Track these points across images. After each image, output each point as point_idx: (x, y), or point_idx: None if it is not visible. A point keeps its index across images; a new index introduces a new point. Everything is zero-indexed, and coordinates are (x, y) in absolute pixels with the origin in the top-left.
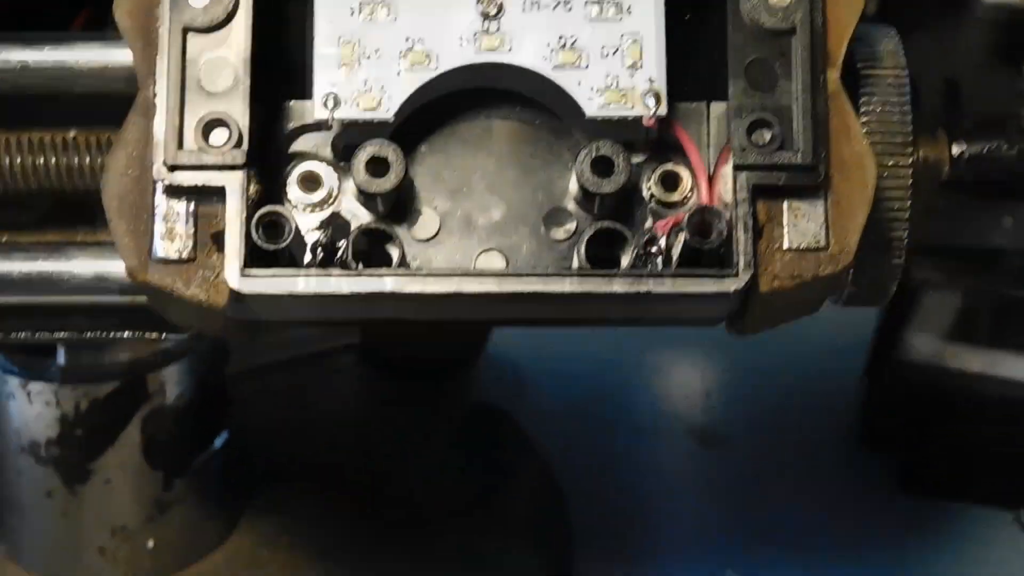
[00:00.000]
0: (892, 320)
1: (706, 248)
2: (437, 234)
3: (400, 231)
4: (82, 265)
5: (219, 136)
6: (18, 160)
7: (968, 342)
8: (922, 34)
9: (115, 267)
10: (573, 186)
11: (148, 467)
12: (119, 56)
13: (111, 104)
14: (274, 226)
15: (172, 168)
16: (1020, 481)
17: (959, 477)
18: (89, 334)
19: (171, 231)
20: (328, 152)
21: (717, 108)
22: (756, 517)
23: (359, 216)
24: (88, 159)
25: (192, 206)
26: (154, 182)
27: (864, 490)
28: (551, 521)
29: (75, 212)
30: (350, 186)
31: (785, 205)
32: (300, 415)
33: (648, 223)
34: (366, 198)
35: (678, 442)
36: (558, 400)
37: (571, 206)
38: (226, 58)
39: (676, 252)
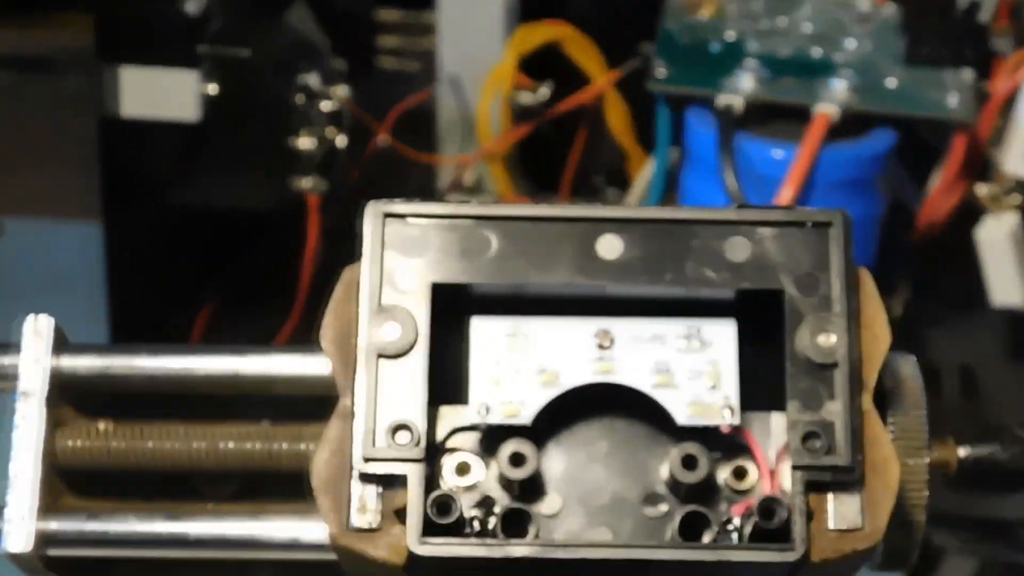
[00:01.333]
0: None
1: (771, 528)
2: (560, 511)
3: (531, 508)
4: (280, 528)
5: (403, 437)
6: (229, 445)
7: None
8: (942, 328)
9: (307, 530)
10: (665, 475)
11: None
12: (313, 367)
13: (301, 403)
14: (445, 506)
15: (367, 460)
16: None
17: None
18: None
19: (363, 507)
20: (477, 446)
21: (777, 417)
22: None
23: (500, 498)
24: (286, 445)
25: (380, 488)
26: (351, 469)
27: None
28: None
29: (265, 488)
30: (492, 472)
31: (830, 496)
32: None
33: (723, 506)
34: (506, 483)
35: None
36: None
37: (664, 491)
38: (408, 377)
39: (747, 530)
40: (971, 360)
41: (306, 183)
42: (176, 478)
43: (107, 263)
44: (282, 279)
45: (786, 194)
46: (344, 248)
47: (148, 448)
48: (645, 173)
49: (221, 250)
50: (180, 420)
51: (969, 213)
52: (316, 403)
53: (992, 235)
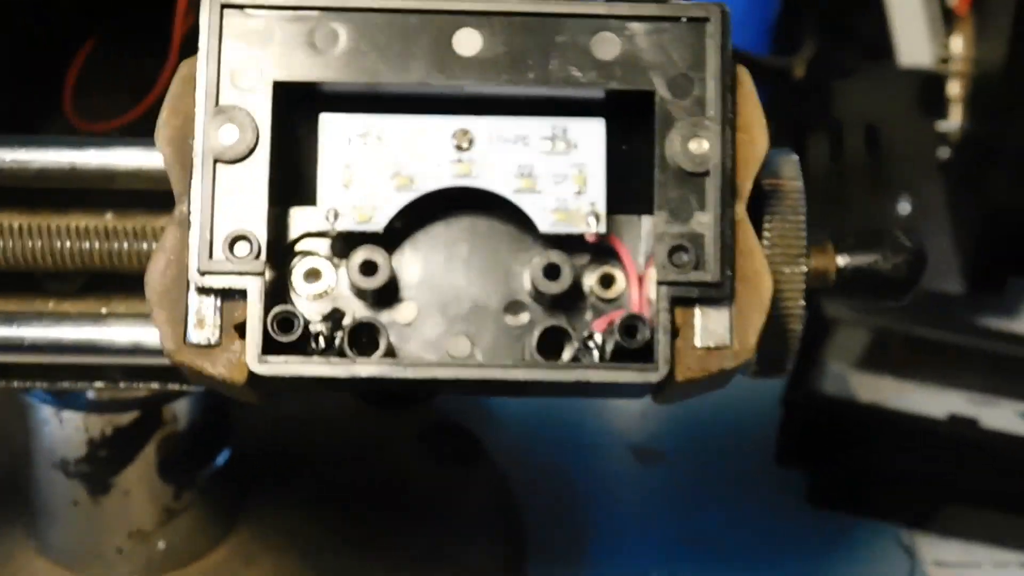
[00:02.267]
0: (807, 352)
1: (632, 348)
2: (415, 319)
3: (385, 317)
4: (122, 333)
5: (242, 248)
6: (67, 244)
7: (875, 372)
8: (849, 82)
9: (150, 336)
10: (528, 283)
11: (161, 481)
12: (153, 160)
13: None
14: (286, 322)
15: (203, 273)
16: (909, 501)
17: (856, 494)
18: (123, 384)
19: (201, 321)
20: (327, 250)
21: (647, 221)
22: (684, 525)
23: (352, 305)
24: (127, 245)
25: (219, 302)
26: (188, 283)
27: (776, 503)
28: (505, 520)
29: (111, 282)
30: (345, 277)
31: (697, 311)
32: (289, 426)
33: (588, 315)
34: (358, 291)
35: (618, 457)
36: (512, 419)
37: (526, 299)
38: (248, 183)
39: (609, 348)
40: (876, 117)
41: None
42: (17, 274)
43: None
44: (153, 31)
45: None
46: None
47: None
48: None
49: None
50: (19, 213)
51: None
52: (165, 196)
53: None
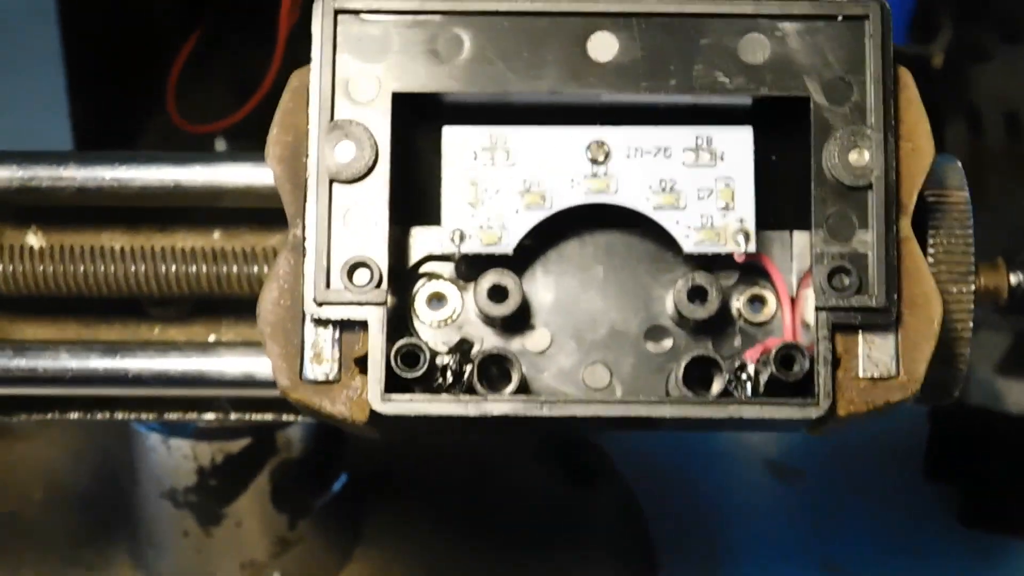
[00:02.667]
0: None
1: (790, 381)
2: (549, 347)
3: (516, 344)
4: (232, 363)
5: (362, 276)
6: (173, 268)
7: (1021, 378)
8: (987, 66)
9: (262, 366)
10: (671, 307)
11: (275, 511)
12: (264, 177)
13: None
14: (411, 356)
15: (320, 304)
16: None
17: (1013, 512)
18: (234, 416)
19: (319, 355)
20: (453, 273)
21: (799, 237)
22: (824, 547)
23: (480, 331)
24: (235, 267)
25: (337, 333)
26: (303, 314)
27: (925, 520)
28: (634, 539)
29: (220, 307)
30: (472, 303)
31: (861, 339)
32: (406, 447)
33: (737, 341)
34: (487, 318)
35: (753, 472)
36: None
37: (669, 324)
38: (367, 205)
39: (763, 379)
40: (1018, 103)
41: None
42: (119, 300)
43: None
44: (259, 23)
45: None
46: None
47: (81, 273)
48: None
49: None
50: (121, 233)
51: None
52: (278, 213)
53: None
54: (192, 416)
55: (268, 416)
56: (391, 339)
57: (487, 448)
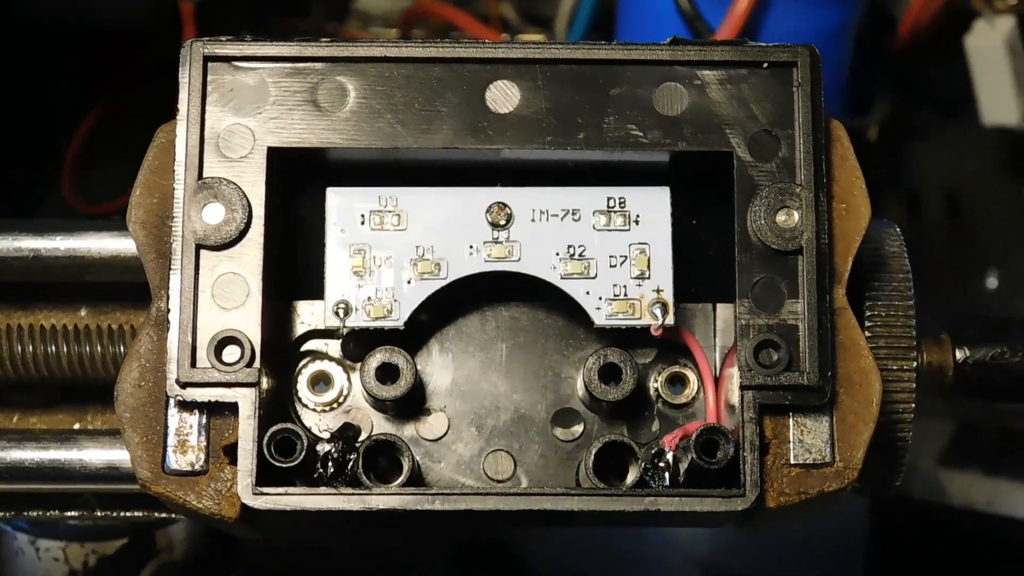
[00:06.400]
0: None
1: (713, 468)
2: (446, 434)
3: (409, 431)
4: (94, 455)
5: (232, 353)
6: (29, 348)
7: (962, 469)
8: (926, 144)
9: (126, 456)
10: (581, 388)
11: None
12: (131, 246)
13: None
14: (287, 443)
15: (184, 385)
16: None
17: None
18: (100, 513)
19: (183, 443)
20: (338, 352)
21: (723, 309)
22: None
23: (369, 416)
24: (100, 348)
25: (204, 419)
26: (166, 396)
27: None
28: None
29: (85, 393)
30: (359, 384)
31: (791, 421)
32: (304, 550)
33: (655, 425)
34: (376, 401)
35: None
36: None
37: (579, 407)
38: (239, 273)
39: (683, 467)
40: (957, 182)
41: None
42: None
43: None
44: (159, 101)
45: (742, 4)
46: None
47: None
48: None
49: (88, 69)
50: None
51: (957, 17)
52: (147, 288)
53: (984, 42)
54: (55, 514)
55: (139, 513)
56: (265, 425)
57: (396, 549)
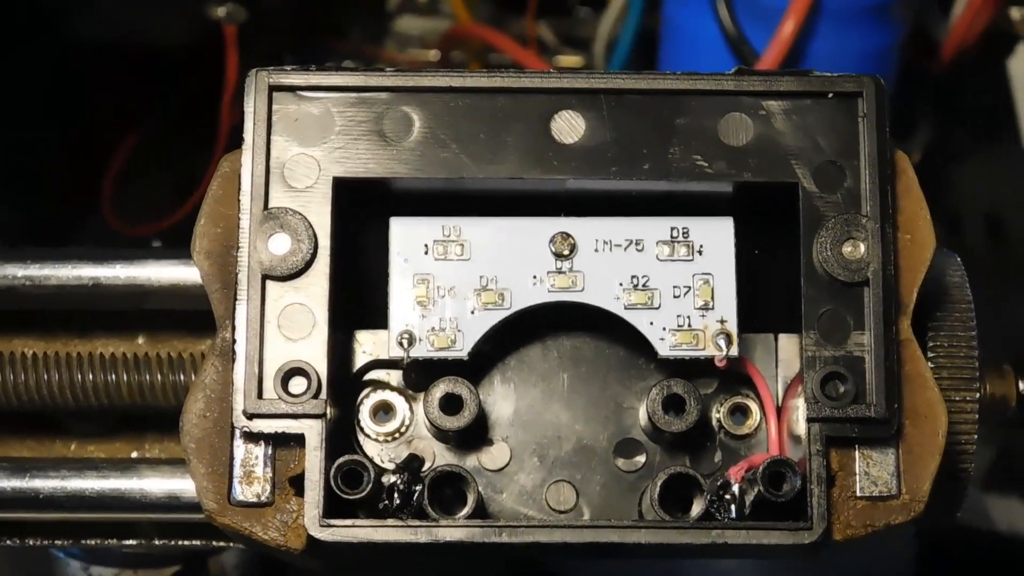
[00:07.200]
0: None
1: (780, 501)
2: (508, 464)
3: (471, 461)
4: (155, 484)
5: (299, 384)
6: (89, 377)
7: (1003, 494)
8: (966, 166)
9: (190, 486)
10: (644, 418)
11: None
12: (192, 275)
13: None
14: (354, 475)
15: (251, 416)
16: None
17: None
18: (158, 542)
19: (249, 475)
20: (402, 382)
21: (786, 340)
22: None
23: (432, 446)
24: (159, 376)
25: (270, 450)
26: (232, 428)
27: None
28: None
29: (144, 420)
30: (422, 414)
31: (857, 454)
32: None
33: (718, 456)
34: (439, 432)
35: None
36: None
37: (642, 438)
38: (305, 304)
39: (749, 499)
40: (998, 204)
41: (221, 11)
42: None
43: None
44: (202, 122)
45: (788, 28)
46: None
47: None
48: None
49: (131, 90)
50: (35, 339)
51: (1000, 40)
52: (207, 316)
53: None
54: (112, 542)
55: (197, 542)
56: (331, 456)
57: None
